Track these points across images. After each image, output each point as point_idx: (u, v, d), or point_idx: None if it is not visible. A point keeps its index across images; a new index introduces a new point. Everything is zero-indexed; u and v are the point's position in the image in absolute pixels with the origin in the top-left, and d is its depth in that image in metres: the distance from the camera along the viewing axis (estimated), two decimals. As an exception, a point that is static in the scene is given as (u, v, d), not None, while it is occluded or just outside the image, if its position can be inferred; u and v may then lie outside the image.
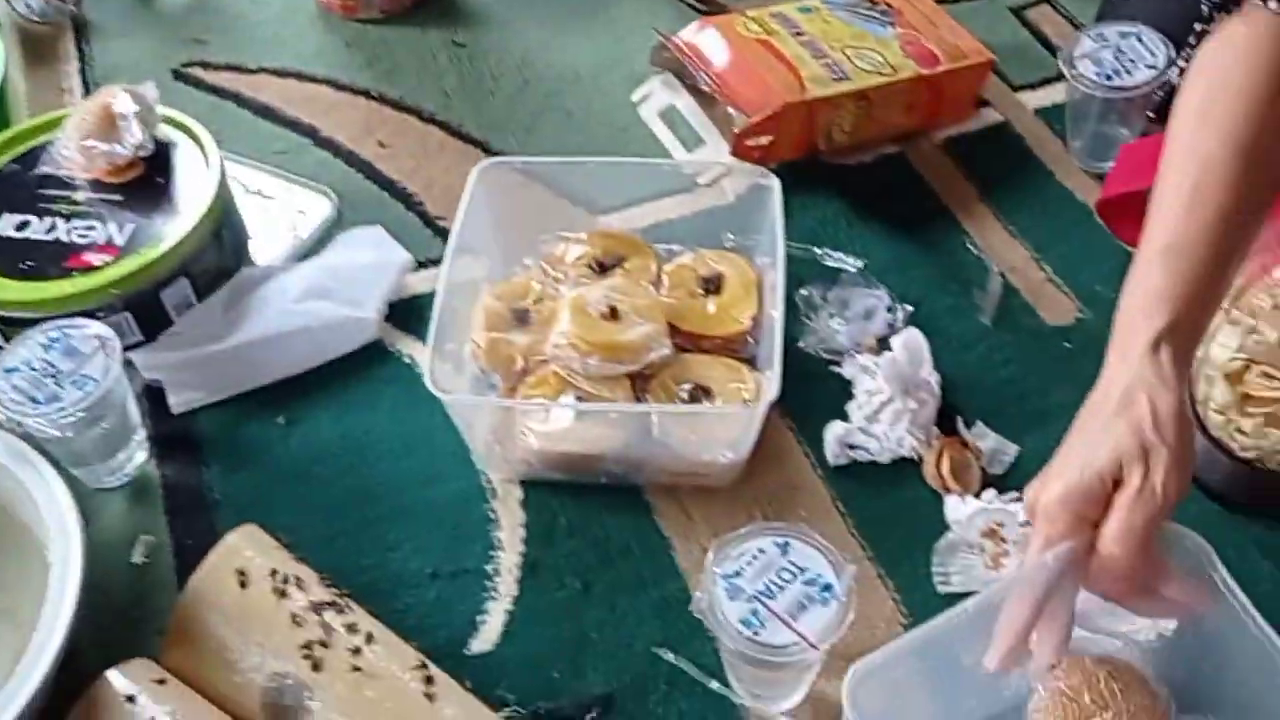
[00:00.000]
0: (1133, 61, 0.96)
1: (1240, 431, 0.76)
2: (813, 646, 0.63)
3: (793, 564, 0.66)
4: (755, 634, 0.64)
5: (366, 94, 1.10)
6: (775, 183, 0.86)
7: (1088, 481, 0.60)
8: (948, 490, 0.80)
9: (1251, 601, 0.74)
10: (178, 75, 1.14)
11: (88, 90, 1.12)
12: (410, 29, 1.17)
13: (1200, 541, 0.63)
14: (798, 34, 1.00)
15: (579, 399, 0.79)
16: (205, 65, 1.14)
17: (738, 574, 0.66)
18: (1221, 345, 0.76)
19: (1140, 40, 0.96)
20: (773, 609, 0.64)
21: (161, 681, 0.69)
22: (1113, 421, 0.61)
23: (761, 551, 0.67)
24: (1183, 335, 0.63)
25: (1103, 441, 0.61)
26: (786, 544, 0.67)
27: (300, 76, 1.12)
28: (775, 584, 0.66)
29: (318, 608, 0.71)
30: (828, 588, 0.65)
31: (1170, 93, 0.90)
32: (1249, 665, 0.62)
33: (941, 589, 0.76)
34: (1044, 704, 0.63)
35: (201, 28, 1.19)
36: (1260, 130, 0.66)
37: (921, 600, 0.76)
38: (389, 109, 1.09)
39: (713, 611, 0.65)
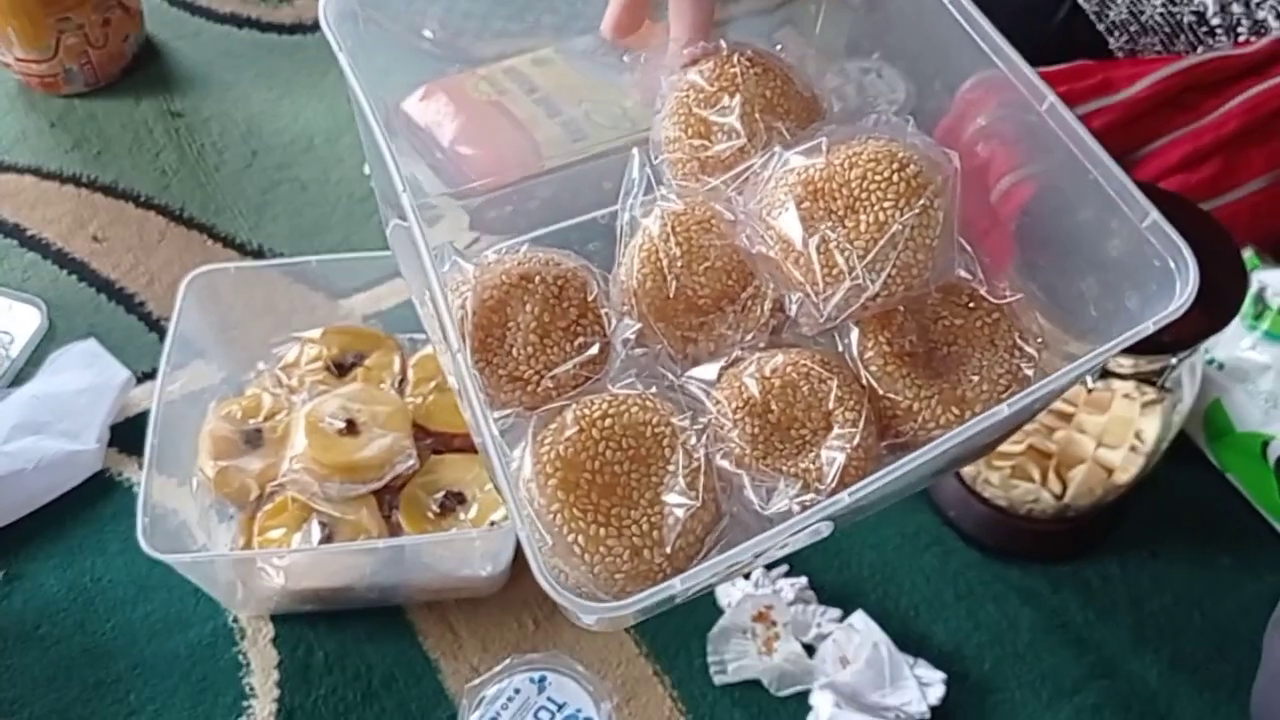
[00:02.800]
0: (876, 95, 0.95)
1: (988, 483, 0.77)
2: (575, 793, 0.61)
3: (551, 701, 0.63)
4: (515, 787, 0.61)
5: (76, 180, 1.01)
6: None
7: None
8: (716, 573, 0.78)
9: (1013, 652, 0.76)
10: None
11: None
12: (121, 101, 1.07)
13: None
14: (531, 91, 0.95)
15: (322, 525, 0.74)
16: (-114, 161, 1.03)
17: (495, 719, 0.63)
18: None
19: (880, 75, 0.95)
20: (532, 757, 0.62)
21: None
22: None
23: (517, 691, 0.64)
24: None
25: None
26: (544, 679, 0.64)
27: (1, 167, 1.02)
28: (534, 726, 0.63)
29: (42, 810, 0.65)
30: (588, 722, 0.63)
31: None
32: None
33: (718, 680, 0.74)
34: (670, 105, 0.54)
35: (-120, 115, 1.07)
36: None
37: (699, 693, 0.74)
38: (102, 196, 1.00)
39: (469, 768, 0.61)
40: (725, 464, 0.47)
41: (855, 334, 0.48)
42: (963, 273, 0.50)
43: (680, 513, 0.46)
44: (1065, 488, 0.75)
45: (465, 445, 0.80)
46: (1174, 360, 0.66)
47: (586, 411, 0.47)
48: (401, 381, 0.83)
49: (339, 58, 0.57)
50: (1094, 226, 0.50)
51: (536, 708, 0.63)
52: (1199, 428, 0.83)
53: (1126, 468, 0.73)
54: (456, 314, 0.49)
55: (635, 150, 0.53)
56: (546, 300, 0.50)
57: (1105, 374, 0.67)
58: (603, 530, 0.45)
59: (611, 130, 0.95)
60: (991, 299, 0.50)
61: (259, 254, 0.96)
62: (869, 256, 0.46)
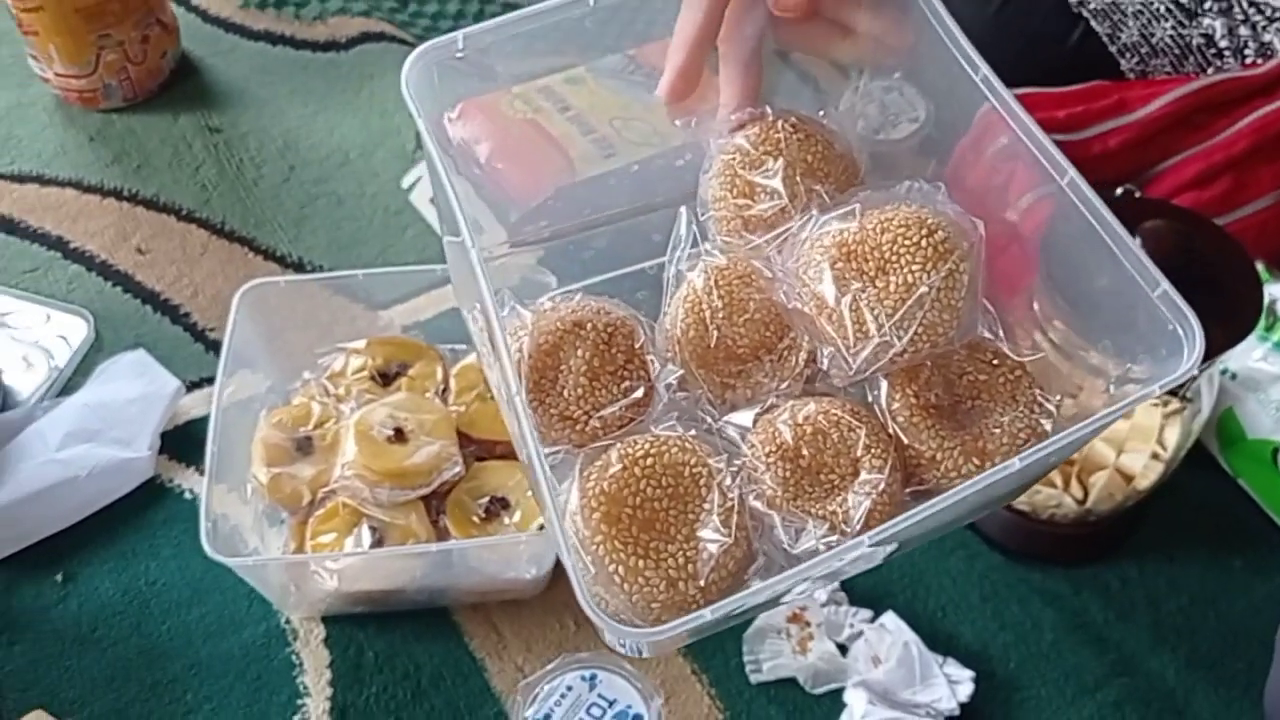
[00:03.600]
0: (898, 114, 0.98)
1: (1015, 490, 0.80)
2: (628, 785, 0.63)
3: (602, 698, 0.66)
4: (571, 780, 0.63)
5: (117, 194, 1.04)
6: (552, 280, 0.85)
7: None
8: (751, 575, 0.81)
9: (1037, 651, 0.79)
10: (-99, 187, 1.05)
11: None
12: (159, 116, 1.10)
13: None
14: (565, 109, 0.99)
15: (373, 530, 0.77)
16: (-68, 174, 1.06)
17: (548, 716, 0.65)
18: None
19: (901, 93, 0.98)
20: (586, 750, 0.64)
21: None
22: None
23: (569, 689, 0.66)
24: None
25: None
26: (594, 677, 0.67)
27: (42, 180, 1.05)
28: (587, 721, 0.66)
29: (112, 804, 0.67)
30: (638, 718, 0.65)
31: None
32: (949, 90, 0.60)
33: (754, 678, 0.77)
34: (717, 166, 0.57)
35: (-77, 127, 1.09)
36: None
37: (735, 691, 0.77)
38: (144, 209, 1.03)
39: (526, 761, 0.64)
40: (758, 504, 0.50)
41: (884, 386, 0.52)
42: (986, 333, 0.53)
43: (714, 548, 0.49)
44: (1087, 493, 0.78)
45: (507, 452, 0.83)
46: (1196, 372, 0.69)
47: (630, 450, 0.50)
48: (444, 390, 0.85)
49: (418, 124, 0.60)
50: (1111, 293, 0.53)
51: (589, 704, 0.66)
52: (1212, 435, 0.86)
53: (1147, 474, 0.76)
54: (514, 356, 0.52)
55: (684, 209, 0.56)
56: (597, 346, 0.54)
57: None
58: (641, 562, 0.49)
59: (641, 146, 0.98)
60: (1014, 357, 0.53)
61: (299, 266, 0.99)
62: (897, 316, 0.50)
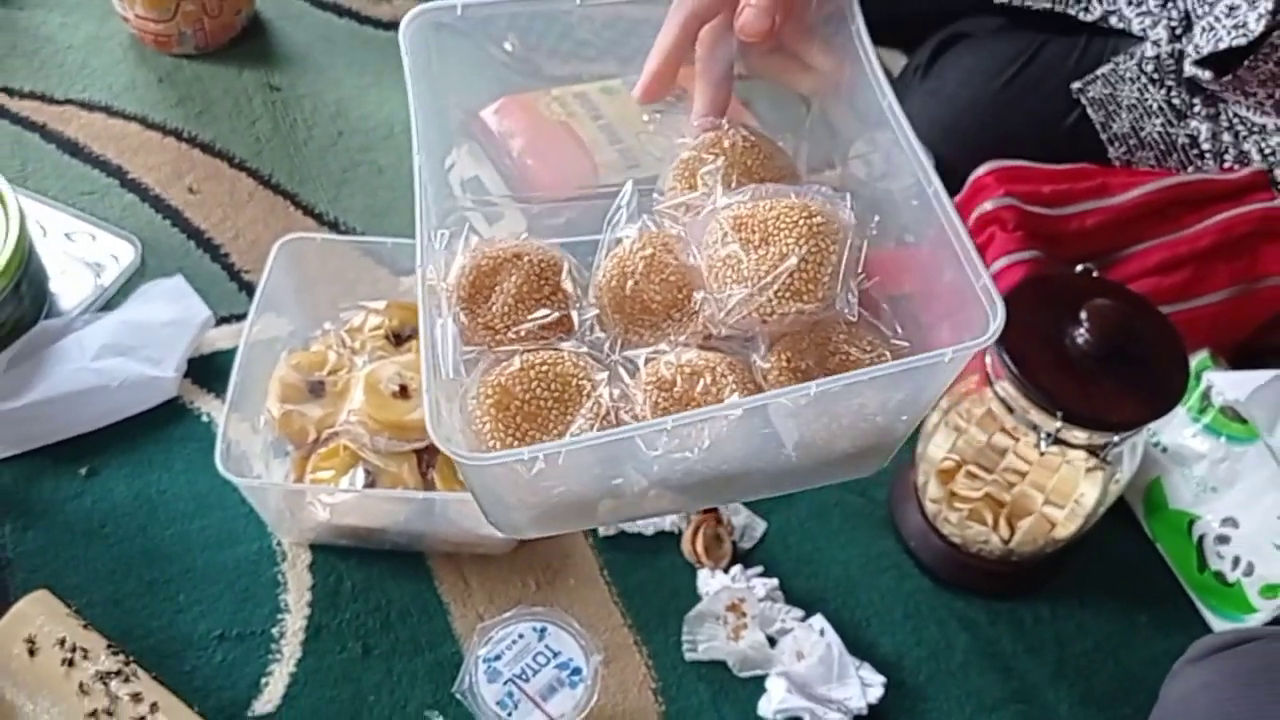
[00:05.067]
0: (899, 167, 1.06)
1: (947, 520, 0.88)
2: (559, 727, 0.71)
3: (548, 648, 0.74)
4: (509, 714, 0.71)
5: (177, 134, 1.12)
6: (566, 262, 0.93)
7: None
8: (700, 564, 0.89)
9: (947, 669, 0.87)
10: (-21, 100, 1.13)
11: (-117, 109, 1.11)
12: (226, 68, 1.18)
13: None
14: (597, 117, 1.06)
15: (367, 473, 0.85)
16: (8, 91, 1.13)
17: (498, 657, 0.74)
18: (937, 445, 0.88)
19: (903, 151, 1.06)
20: (526, 691, 0.72)
21: (-53, 746, 0.73)
22: None
23: (521, 636, 0.75)
24: None
25: None
26: (544, 629, 0.75)
27: (109, 111, 1.13)
28: (531, 667, 0.73)
29: (104, 677, 0.75)
30: (577, 671, 0.73)
31: None
32: (873, 129, 0.68)
33: (689, 656, 0.85)
34: (675, 161, 0.66)
35: (6, 47, 1.17)
36: None
37: (670, 665, 0.85)
38: (199, 152, 1.11)
39: (472, 693, 0.72)
40: (626, 418, 0.58)
41: (763, 349, 0.59)
42: (883, 327, 0.61)
43: None
44: (1013, 535, 0.86)
45: (498, 422, 0.91)
46: (1116, 438, 0.77)
47: (530, 358, 0.59)
48: (449, 358, 0.93)
49: (405, 63, 0.69)
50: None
51: (535, 652, 0.74)
52: (1139, 500, 0.94)
53: (1067, 524, 0.84)
54: (459, 265, 0.61)
55: (630, 182, 0.65)
56: (529, 275, 0.62)
57: (1058, 441, 0.78)
58: (516, 444, 0.57)
59: (664, 161, 1.06)
60: (889, 347, 0.60)
61: (334, 226, 1.07)
62: (766, 277, 0.57)
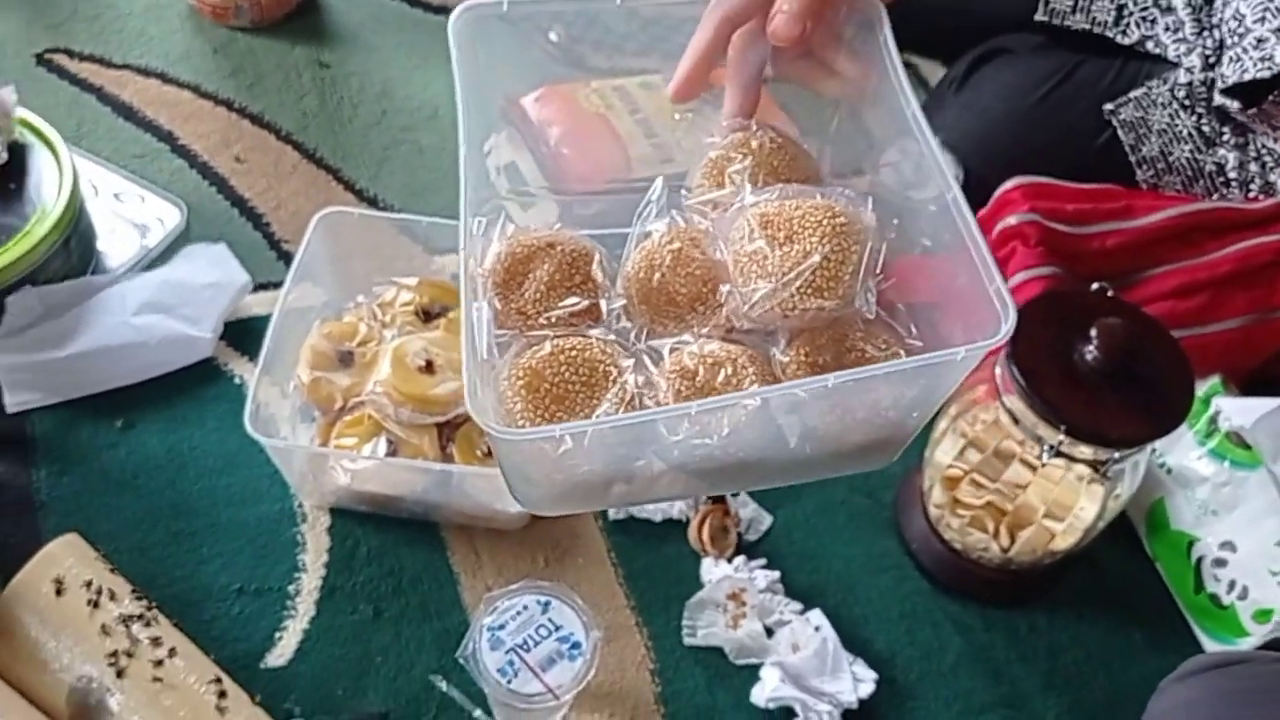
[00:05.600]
0: (928, 178, 1.07)
1: (949, 526, 0.90)
2: (556, 697, 0.74)
3: (550, 621, 0.77)
4: (509, 682, 0.74)
5: (228, 105, 1.16)
6: (596, 252, 0.95)
7: None
8: (705, 552, 0.91)
9: (938, 670, 0.89)
10: (40, 60, 1.17)
11: (-51, 63, 1.15)
12: (278, 42, 1.22)
13: (873, 2, 0.67)
14: (634, 111, 1.09)
15: (389, 442, 0.88)
16: (69, 53, 1.17)
17: (501, 626, 0.76)
18: (944, 451, 0.89)
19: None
20: (526, 660, 0.75)
21: (-26, 674, 0.76)
22: None
23: (525, 608, 0.77)
24: None
25: None
26: (548, 603, 0.78)
27: (164, 78, 1.17)
28: (532, 638, 0.76)
29: (126, 620, 0.79)
30: (576, 645, 0.76)
31: None
32: (897, 136, 0.69)
33: (688, 641, 0.88)
34: (704, 159, 0.68)
35: (68, 11, 1.21)
36: None
37: (669, 648, 0.87)
38: (248, 123, 1.14)
39: (475, 659, 0.75)
40: (649, 404, 0.60)
41: (783, 343, 0.61)
42: (898, 327, 0.63)
43: None
44: (1012, 544, 0.88)
45: (518, 401, 0.94)
46: (1117, 455, 0.79)
47: (561, 343, 0.61)
48: (475, 337, 0.96)
49: (453, 57, 0.71)
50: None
51: (538, 624, 0.77)
52: (1142, 519, 0.95)
53: (1065, 537, 0.85)
54: (495, 253, 0.64)
55: (660, 179, 0.67)
56: (561, 264, 0.64)
57: (1060, 454, 0.80)
58: (544, 423, 0.60)
59: (696, 156, 1.09)
60: (904, 346, 0.62)
61: (373, 202, 1.10)
62: (789, 273, 0.59)
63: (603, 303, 0.64)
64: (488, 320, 0.62)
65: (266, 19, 1.22)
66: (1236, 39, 0.99)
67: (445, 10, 1.27)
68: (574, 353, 0.61)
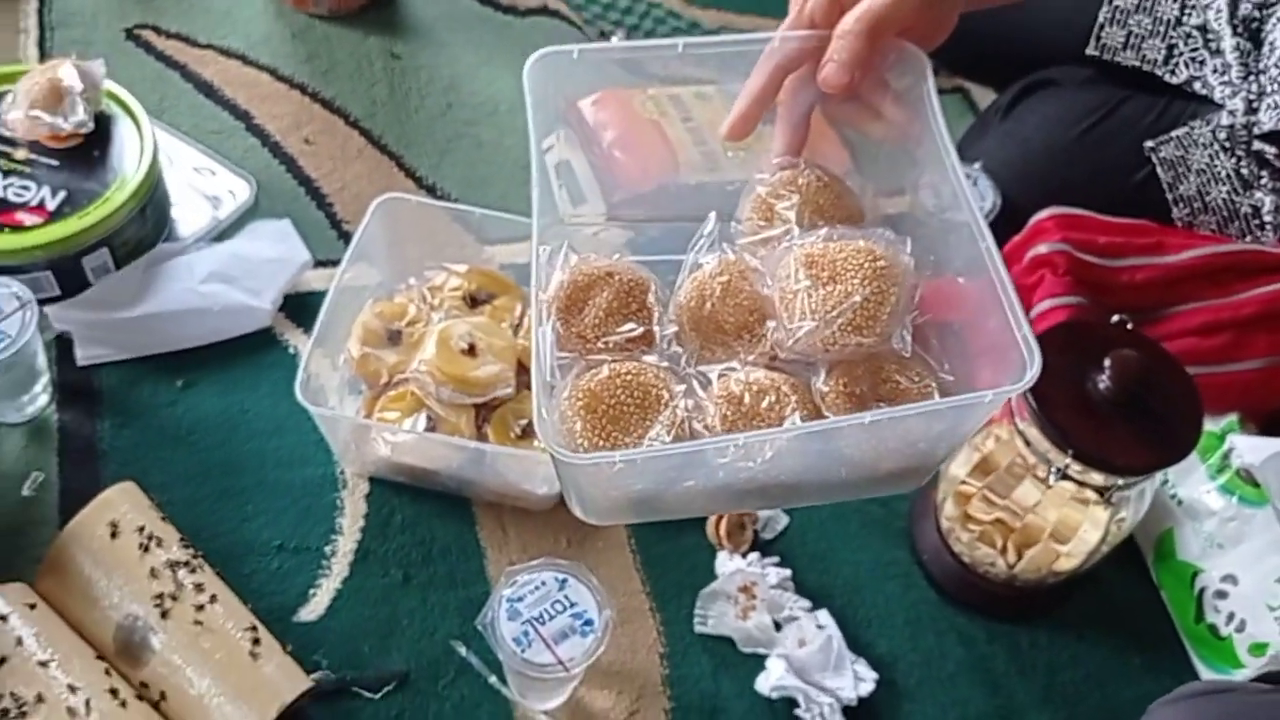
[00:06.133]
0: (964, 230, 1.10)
1: (959, 539, 0.93)
2: (566, 669, 0.78)
3: (566, 598, 0.82)
4: (523, 651, 0.79)
5: (302, 88, 1.21)
6: (652, 282, 0.99)
7: None
8: (721, 546, 0.95)
9: (937, 677, 0.92)
10: (129, 35, 1.23)
11: (43, 34, 1.21)
12: (353, 32, 1.27)
13: (918, 52, 0.71)
14: (687, 119, 1.13)
15: (429, 419, 0.93)
16: (156, 30, 1.24)
17: (520, 599, 0.81)
18: (958, 465, 0.93)
19: (975, 183, 1.11)
20: (541, 633, 0.80)
21: (33, 606, 0.82)
22: None
23: (543, 583, 0.82)
24: None
25: None
26: (565, 580, 0.82)
27: (244, 60, 1.23)
28: (548, 612, 0.81)
29: (174, 566, 0.84)
30: (589, 623, 0.80)
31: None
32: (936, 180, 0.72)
33: (698, 629, 0.92)
34: (753, 193, 0.72)
35: (160, -10, 1.28)
36: None
37: (679, 634, 0.91)
38: (320, 107, 1.20)
39: (493, 627, 0.79)
40: (698, 426, 0.65)
41: (823, 373, 0.66)
42: (931, 360, 0.66)
43: (655, 445, 0.65)
44: (1019, 561, 0.91)
45: (554, 389, 0.98)
46: (1121, 482, 0.81)
47: (617, 367, 0.66)
48: (518, 325, 1.01)
49: (528, 101, 0.78)
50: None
51: (554, 600, 0.81)
52: (1150, 547, 0.98)
53: (1069, 558, 0.88)
54: (558, 281, 0.69)
55: (713, 213, 0.71)
56: (619, 292, 0.69)
57: (1066, 477, 0.83)
58: (602, 442, 0.65)
59: (740, 169, 1.13)
60: (936, 379, 0.66)
61: (432, 190, 1.15)
62: (831, 312, 0.64)
63: (656, 329, 0.69)
64: (551, 344, 0.68)
65: (344, 8, 1.28)
66: (1276, 86, 1.00)
67: (514, 10, 1.32)
68: (629, 377, 0.66)
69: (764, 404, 0.65)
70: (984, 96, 1.28)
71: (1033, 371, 0.61)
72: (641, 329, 0.69)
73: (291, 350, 1.03)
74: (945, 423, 0.67)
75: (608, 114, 1.12)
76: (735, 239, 0.71)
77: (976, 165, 1.11)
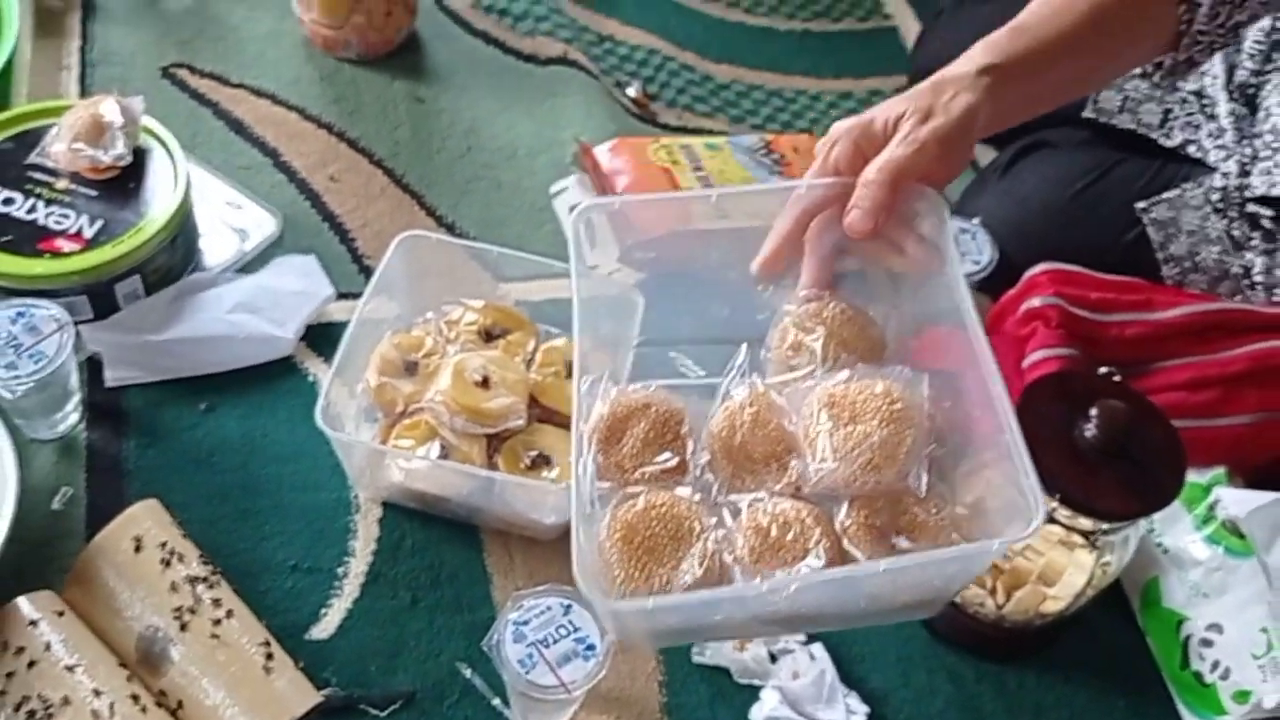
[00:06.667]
0: (965, 254, 1.15)
1: (952, 581, 0.96)
2: (568, 691, 0.81)
3: (570, 623, 0.85)
4: (527, 673, 0.82)
5: (329, 128, 1.26)
6: (639, 300, 1.04)
7: (871, 121, 0.76)
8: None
9: (927, 713, 0.95)
10: (165, 73, 1.28)
11: (84, 70, 1.26)
12: (380, 76, 1.32)
13: (937, 196, 0.77)
14: (697, 169, 1.18)
15: (442, 447, 0.97)
16: (191, 69, 1.29)
17: (525, 622, 0.84)
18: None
19: (974, 238, 1.15)
20: (545, 656, 0.82)
21: (60, 613, 0.85)
22: (921, 92, 0.77)
23: (549, 608, 0.85)
24: (1005, 75, 0.77)
25: (902, 100, 0.77)
26: (570, 607, 0.85)
27: (274, 99, 1.28)
28: (553, 636, 0.83)
29: (193, 581, 0.88)
30: (591, 647, 0.83)
31: None
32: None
33: (696, 659, 0.94)
34: (781, 324, 0.77)
35: (195, 31, 1.33)
36: (1111, 9, 0.81)
37: (678, 663, 0.94)
38: (345, 146, 1.25)
39: (499, 648, 0.83)
40: (728, 559, 0.70)
41: (845, 506, 0.70)
42: (945, 490, 0.72)
43: (687, 578, 0.70)
44: (1007, 602, 0.93)
45: (563, 422, 1.02)
46: (1105, 527, 0.85)
47: (653, 499, 0.72)
48: (530, 360, 1.05)
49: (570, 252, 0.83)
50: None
51: (558, 624, 0.84)
52: (1137, 594, 1.00)
53: (1055, 601, 0.91)
54: (598, 413, 0.74)
55: (744, 345, 0.76)
56: (655, 423, 0.75)
57: (1053, 521, 0.86)
58: (637, 573, 0.70)
59: (751, 216, 1.17)
60: (951, 512, 0.71)
61: (450, 228, 1.20)
62: (851, 452, 0.68)
63: (689, 459, 0.74)
64: (591, 474, 0.73)
65: (371, 53, 1.33)
66: (1270, 152, 1.05)
67: (535, 60, 1.37)
68: (664, 508, 0.71)
69: (789, 536, 0.70)
70: (984, 154, 1.33)
71: (1038, 521, 0.65)
72: (676, 459, 0.74)
73: (311, 379, 1.06)
74: (957, 565, 0.72)
75: (622, 160, 1.17)
76: (764, 367, 0.77)
77: (976, 220, 1.16)
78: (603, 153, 1.18)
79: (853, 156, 0.75)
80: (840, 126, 0.77)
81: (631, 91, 1.35)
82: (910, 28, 1.50)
